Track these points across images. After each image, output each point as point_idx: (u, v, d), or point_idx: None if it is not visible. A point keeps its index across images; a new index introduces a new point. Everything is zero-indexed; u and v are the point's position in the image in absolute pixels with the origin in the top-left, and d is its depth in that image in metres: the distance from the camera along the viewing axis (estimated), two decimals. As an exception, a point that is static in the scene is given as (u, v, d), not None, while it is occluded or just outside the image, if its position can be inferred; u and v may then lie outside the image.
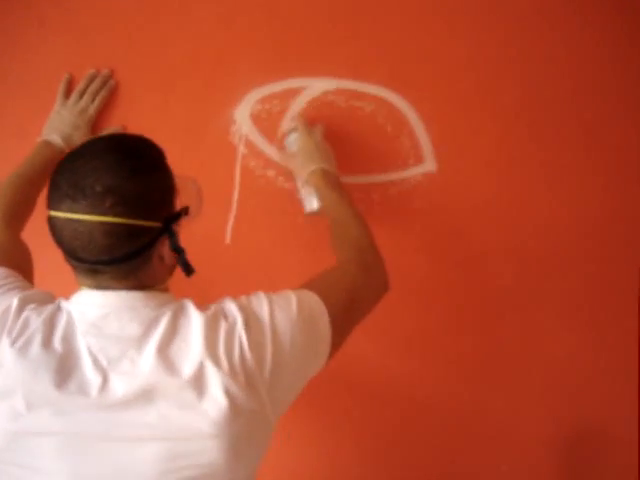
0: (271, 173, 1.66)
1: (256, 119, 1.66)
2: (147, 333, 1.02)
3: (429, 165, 1.71)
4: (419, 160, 1.70)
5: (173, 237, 1.06)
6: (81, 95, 1.61)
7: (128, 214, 0.99)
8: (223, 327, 1.04)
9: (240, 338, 1.03)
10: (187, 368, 1.00)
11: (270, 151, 1.66)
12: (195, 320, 1.04)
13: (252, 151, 1.66)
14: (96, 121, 1.62)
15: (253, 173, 1.66)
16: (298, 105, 1.66)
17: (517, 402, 1.80)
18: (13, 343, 1.00)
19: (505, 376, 1.79)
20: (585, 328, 1.78)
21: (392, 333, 1.74)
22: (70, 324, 1.03)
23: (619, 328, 1.78)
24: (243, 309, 1.08)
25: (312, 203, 1.56)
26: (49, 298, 1.11)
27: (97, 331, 1.02)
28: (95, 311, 1.03)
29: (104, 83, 1.61)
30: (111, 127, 1.63)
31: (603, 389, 1.80)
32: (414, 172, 1.70)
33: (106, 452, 1.01)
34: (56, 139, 1.55)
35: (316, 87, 1.66)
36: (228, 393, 0.99)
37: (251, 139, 1.66)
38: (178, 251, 1.08)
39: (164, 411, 0.99)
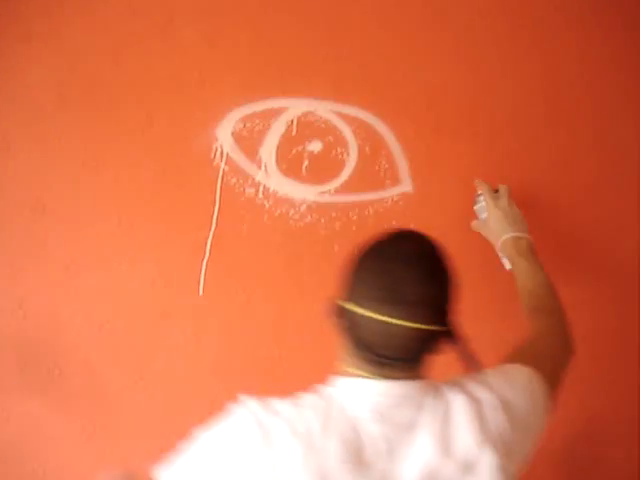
0: (251, 190, 1.69)
1: (238, 137, 1.69)
2: (419, 418, 1.09)
3: (406, 186, 1.74)
4: (396, 181, 1.74)
5: (459, 338, 1.14)
6: None
7: (435, 321, 1.08)
8: (482, 409, 1.12)
9: (495, 419, 1.12)
10: (461, 450, 1.08)
11: (250, 169, 1.69)
12: (456, 403, 1.12)
13: (233, 168, 1.69)
14: (79, 137, 1.64)
15: (233, 190, 1.69)
16: (279, 124, 1.70)
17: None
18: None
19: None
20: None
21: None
22: (343, 411, 1.09)
23: (619, 332, 1.85)
24: (489, 389, 1.15)
25: (507, 264, 1.64)
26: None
27: (380, 418, 1.08)
28: (377, 399, 1.09)
29: None
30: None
31: (602, 394, 1.87)
32: (391, 192, 1.74)
33: None
34: None
35: (297, 107, 1.70)
36: (498, 470, 1.08)
37: (232, 157, 1.69)
38: (463, 347, 1.16)
39: None
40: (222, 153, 1.68)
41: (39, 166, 1.65)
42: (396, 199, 1.74)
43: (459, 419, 1.10)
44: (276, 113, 1.70)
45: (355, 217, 1.73)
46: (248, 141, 1.69)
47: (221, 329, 1.70)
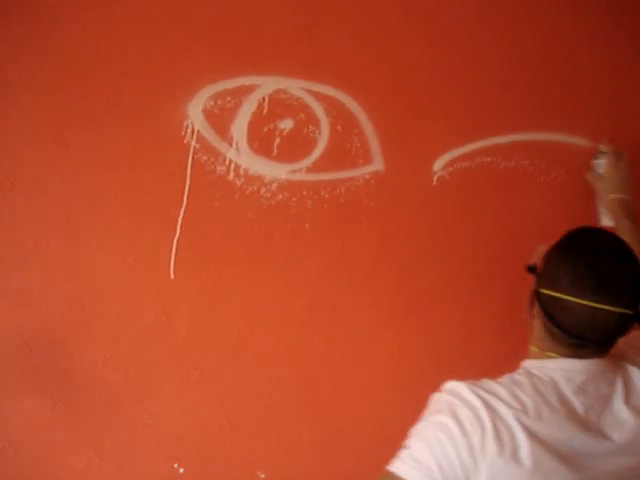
0: (222, 168, 1.69)
1: (209, 115, 1.68)
2: (612, 390, 1.25)
3: (377, 164, 1.75)
4: (368, 160, 1.74)
5: None
6: None
7: (635, 306, 1.21)
8: None
9: None
10: None
11: (222, 147, 1.68)
12: (636, 375, 1.29)
13: (204, 146, 1.68)
14: (49, 113, 1.62)
15: (204, 168, 1.68)
16: (251, 102, 1.69)
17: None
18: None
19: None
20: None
21: (339, 328, 1.77)
22: (556, 387, 1.22)
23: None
24: None
25: (603, 220, 1.80)
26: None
27: (582, 392, 1.22)
28: (578, 376, 1.23)
29: None
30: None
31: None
32: (363, 171, 1.74)
33: None
34: None
35: (268, 85, 1.69)
36: None
37: (203, 134, 1.68)
38: None
39: None
40: (193, 131, 1.67)
41: (7, 143, 1.62)
42: (368, 177, 1.75)
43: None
44: (247, 91, 1.69)
45: (327, 195, 1.73)
46: (219, 119, 1.68)
47: (192, 307, 1.70)
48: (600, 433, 1.21)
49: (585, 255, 1.22)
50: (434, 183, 1.77)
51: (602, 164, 1.79)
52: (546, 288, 1.24)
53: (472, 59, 1.77)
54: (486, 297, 1.82)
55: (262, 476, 1.76)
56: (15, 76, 1.61)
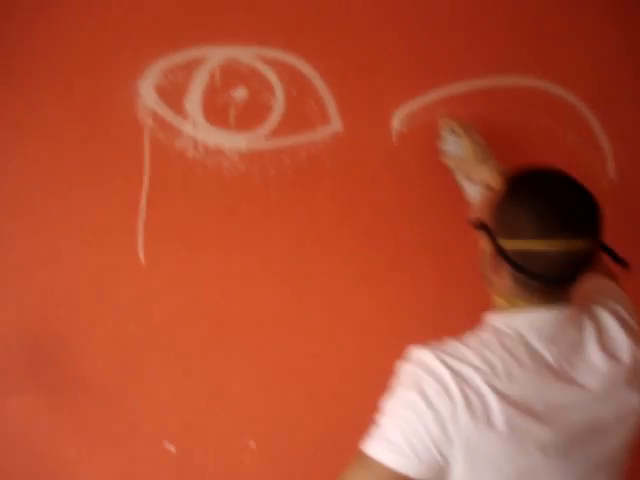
0: (180, 144, 1.67)
1: (161, 91, 1.65)
2: (582, 336, 1.23)
3: (335, 125, 1.74)
4: (326, 121, 1.73)
5: (610, 251, 1.25)
6: None
7: (599, 235, 1.20)
8: (622, 317, 1.30)
9: (630, 322, 1.31)
10: (626, 354, 1.24)
11: (178, 123, 1.66)
12: (604, 317, 1.28)
13: (160, 124, 1.65)
14: (4, 106, 1.59)
15: (162, 146, 1.66)
16: (202, 74, 1.66)
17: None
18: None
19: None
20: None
21: (313, 292, 1.78)
22: (524, 342, 1.19)
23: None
24: (614, 300, 1.33)
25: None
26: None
27: (553, 343, 1.19)
28: (548, 327, 1.20)
29: None
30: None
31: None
32: (322, 133, 1.73)
33: (589, 445, 1.19)
34: None
35: (219, 55, 1.66)
36: None
37: (158, 112, 1.65)
38: (616, 257, 1.26)
39: (622, 395, 1.22)
40: (147, 108, 1.65)
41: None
42: (328, 140, 1.74)
43: (612, 329, 1.26)
44: (197, 63, 1.66)
45: (289, 161, 1.72)
46: (172, 94, 1.65)
47: (165, 285, 1.70)
48: (573, 382, 1.18)
49: (541, 194, 1.17)
50: (394, 139, 1.77)
51: (456, 145, 1.67)
52: (508, 239, 1.18)
53: (423, 11, 1.76)
54: (456, 250, 1.84)
55: (253, 445, 1.78)
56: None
